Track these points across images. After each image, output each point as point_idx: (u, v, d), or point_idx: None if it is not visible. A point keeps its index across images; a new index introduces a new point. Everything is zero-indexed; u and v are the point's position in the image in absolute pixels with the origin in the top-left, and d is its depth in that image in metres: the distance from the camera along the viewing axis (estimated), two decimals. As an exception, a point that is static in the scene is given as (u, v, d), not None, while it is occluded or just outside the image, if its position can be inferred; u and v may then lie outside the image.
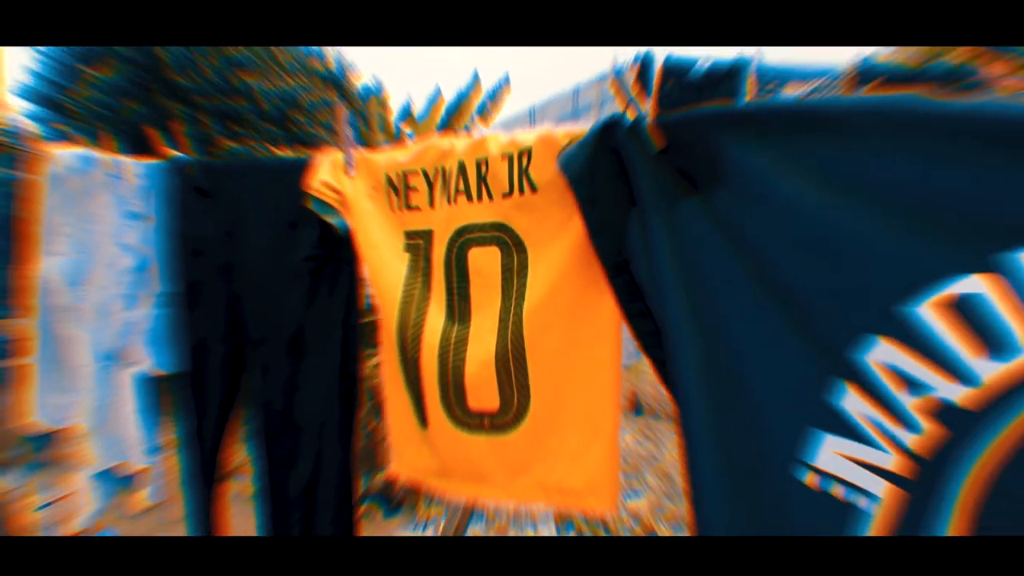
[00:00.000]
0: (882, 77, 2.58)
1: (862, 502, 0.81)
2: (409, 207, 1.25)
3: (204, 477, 1.64)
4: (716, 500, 0.88)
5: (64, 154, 1.56)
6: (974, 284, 0.67)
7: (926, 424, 0.76)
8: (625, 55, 3.11)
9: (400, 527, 4.56)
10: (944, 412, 0.73)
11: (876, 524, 0.78)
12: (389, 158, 1.29)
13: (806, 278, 0.79)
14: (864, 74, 2.55)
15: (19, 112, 11.42)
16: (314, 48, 10.07)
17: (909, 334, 0.73)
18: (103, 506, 1.85)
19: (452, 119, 10.07)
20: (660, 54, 3.00)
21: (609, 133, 0.98)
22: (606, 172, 0.90)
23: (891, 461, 0.81)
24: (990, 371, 0.68)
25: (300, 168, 1.35)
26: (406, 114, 10.34)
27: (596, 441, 1.04)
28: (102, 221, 1.55)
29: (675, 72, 2.84)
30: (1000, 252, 0.65)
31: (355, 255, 1.34)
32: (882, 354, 0.75)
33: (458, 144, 1.24)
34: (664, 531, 4.57)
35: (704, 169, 0.81)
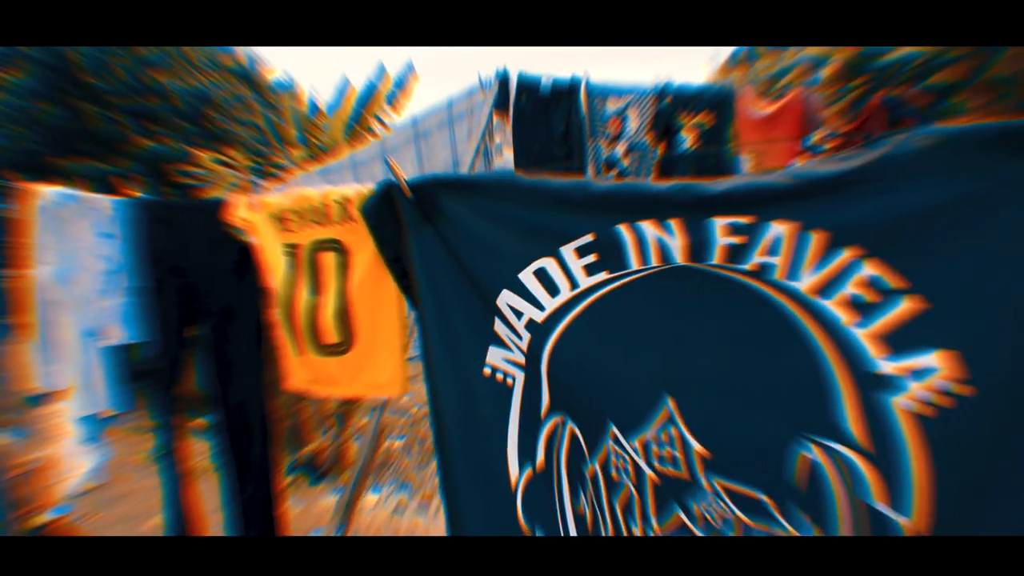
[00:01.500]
0: (672, 95, 3.29)
1: (508, 382, 1.47)
2: (286, 230, 1.90)
3: (167, 406, 2.27)
4: (447, 391, 1.57)
5: (50, 191, 2.18)
6: (545, 262, 1.34)
7: (525, 334, 1.43)
8: (488, 71, 3.77)
9: (323, 494, 5.19)
10: (532, 326, 1.40)
11: (517, 392, 1.45)
12: (276, 201, 1.96)
13: (483, 267, 1.46)
14: (661, 93, 3.25)
15: None
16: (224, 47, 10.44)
17: (518, 287, 1.38)
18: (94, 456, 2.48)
19: (364, 109, 10.55)
20: (515, 72, 3.66)
21: (387, 190, 1.62)
22: (387, 211, 1.57)
23: (517, 356, 1.48)
24: (550, 303, 1.36)
25: (222, 202, 2.01)
26: (316, 108, 10.84)
27: (391, 357, 1.76)
28: (82, 239, 2.16)
29: (527, 88, 3.55)
30: (557, 247, 1.35)
31: (258, 258, 2.01)
32: (506, 298, 1.41)
33: (311, 194, 1.91)
34: None
35: (432, 210, 1.50)
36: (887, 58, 15.48)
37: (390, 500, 5.14)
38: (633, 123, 3.30)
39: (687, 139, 3.25)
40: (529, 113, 3.44)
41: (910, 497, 1.10)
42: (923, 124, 2.36)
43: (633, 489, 1.33)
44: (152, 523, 4.89)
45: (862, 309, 1.08)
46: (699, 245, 1.16)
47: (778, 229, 1.10)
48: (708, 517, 1.26)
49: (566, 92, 3.41)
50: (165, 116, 9.24)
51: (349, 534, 2.39)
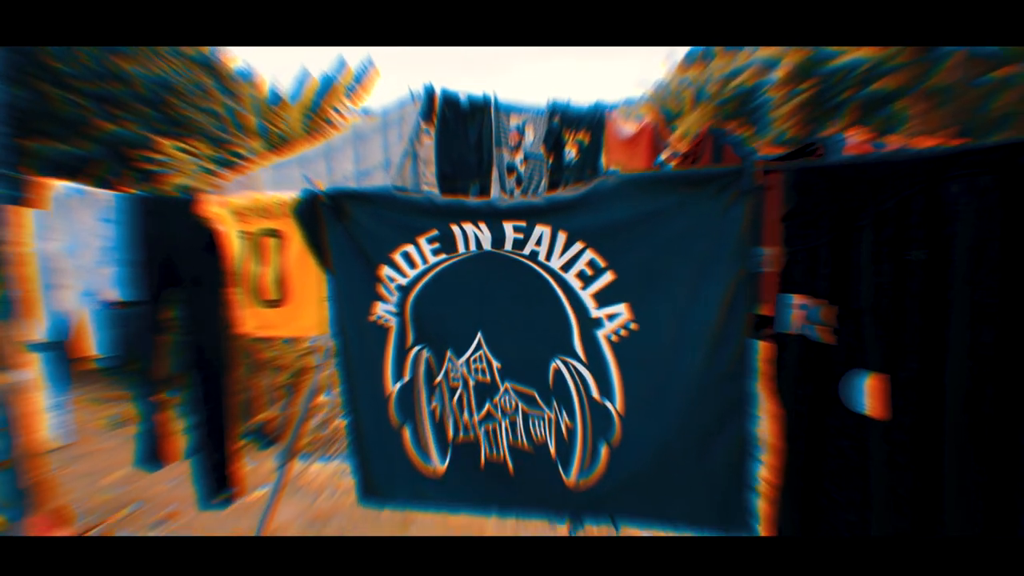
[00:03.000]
0: (560, 114, 4.06)
1: (387, 325, 2.19)
2: (241, 221, 2.58)
3: (149, 334, 2.92)
4: (348, 331, 2.27)
5: (62, 184, 2.90)
6: (408, 247, 2.07)
7: (396, 293, 2.15)
8: (418, 88, 4.46)
9: (270, 457, 5.91)
10: (399, 287, 2.13)
11: (392, 332, 2.18)
12: (235, 201, 2.65)
13: (371, 249, 2.16)
14: (552, 112, 4.01)
15: None
16: None
17: (391, 263, 2.11)
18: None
19: (323, 100, 11.11)
20: (439, 88, 4.37)
21: (312, 197, 2.27)
22: (310, 211, 2.28)
23: (392, 308, 2.19)
24: (410, 273, 2.08)
25: (195, 200, 2.72)
26: (277, 98, 11.38)
27: (312, 308, 2.45)
28: (86, 223, 2.89)
29: (450, 102, 4.29)
30: (414, 237, 2.07)
31: (222, 240, 2.72)
32: (385, 270, 2.14)
33: (261, 197, 2.61)
34: None
35: (340, 212, 2.22)
36: (835, 63, 16.39)
37: (336, 469, 5.91)
38: (530, 136, 4.08)
39: (571, 152, 4.06)
40: (451, 123, 4.17)
41: (614, 390, 1.91)
42: (740, 150, 3.15)
43: (462, 391, 2.12)
44: (113, 477, 5.62)
45: (586, 279, 1.89)
46: (498, 238, 1.95)
47: (541, 230, 1.89)
48: (505, 407, 2.07)
49: (480, 107, 4.16)
50: (128, 101, 9.75)
51: (286, 488, 3.05)
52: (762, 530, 1.83)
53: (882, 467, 1.57)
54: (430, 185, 4.16)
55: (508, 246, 1.94)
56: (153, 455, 2.91)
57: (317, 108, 10.97)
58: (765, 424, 1.77)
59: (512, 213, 1.92)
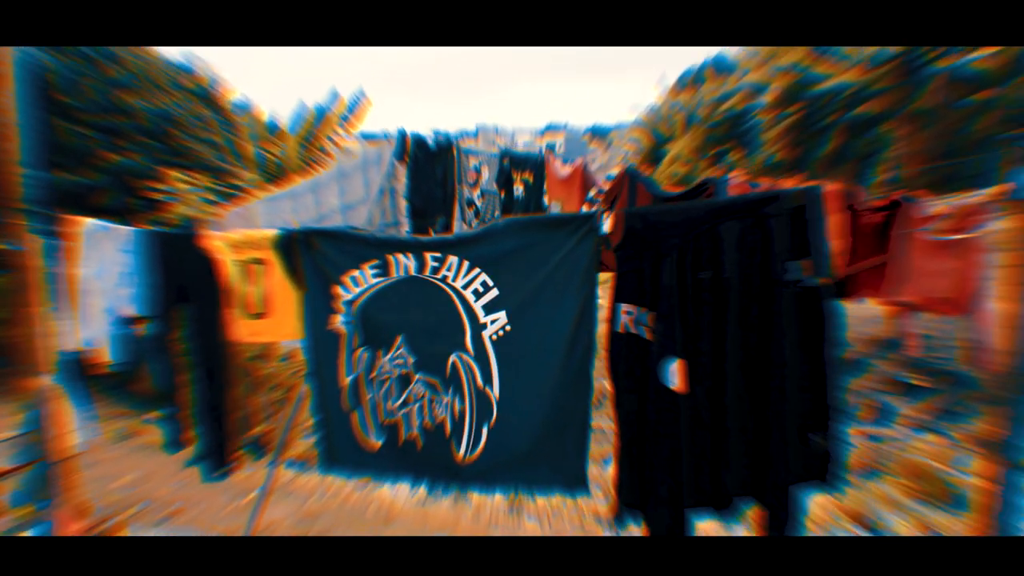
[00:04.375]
0: (509, 157, 4.84)
1: (341, 331, 2.84)
2: (236, 251, 3.26)
3: (165, 348, 3.65)
4: (313, 337, 2.98)
5: (91, 221, 3.65)
6: (355, 272, 2.77)
7: (346, 307, 2.84)
8: (392, 130, 5.20)
9: (263, 466, 6.63)
10: (347, 303, 2.81)
11: (344, 337, 2.85)
12: (231, 236, 3.34)
13: (331, 273, 2.80)
14: (503, 156, 4.78)
15: None
16: (186, 66, 11.71)
17: (342, 283, 2.81)
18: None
19: (318, 130, 11.89)
20: (410, 131, 5.11)
21: (289, 233, 3.04)
22: (286, 244, 3.00)
23: (344, 319, 2.85)
24: (356, 291, 2.80)
25: (198, 234, 3.45)
26: (274, 128, 12.17)
27: (290, 319, 3.06)
28: (109, 251, 3.64)
29: (419, 143, 5.04)
30: (359, 264, 2.77)
31: (220, 266, 3.43)
32: (337, 290, 2.84)
33: (250, 233, 3.32)
34: None
35: (309, 244, 2.89)
36: (821, 87, 17.14)
37: (324, 477, 6.65)
38: (485, 175, 4.84)
39: (519, 189, 4.82)
40: (420, 162, 4.92)
41: (493, 379, 2.64)
42: (651, 188, 3.89)
43: (390, 382, 2.84)
44: (122, 481, 6.37)
45: (477, 295, 2.61)
46: (420, 265, 2.67)
47: (452, 259, 2.61)
48: (417, 393, 2.78)
49: (445, 148, 4.91)
50: (132, 133, 10.44)
51: (276, 491, 3.72)
52: (612, 489, 2.54)
53: (686, 425, 2.27)
54: (403, 216, 4.90)
55: (427, 272, 2.66)
56: (176, 441, 3.62)
57: (312, 138, 11.71)
58: (606, 400, 2.50)
59: (432, 246, 2.65)
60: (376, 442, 2.89)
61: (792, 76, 16.55)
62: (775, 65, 16.72)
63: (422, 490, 6.42)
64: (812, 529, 5.24)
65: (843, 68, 15.44)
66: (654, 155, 20.59)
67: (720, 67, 20.16)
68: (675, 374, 2.24)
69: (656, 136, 20.76)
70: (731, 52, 20.42)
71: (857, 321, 9.62)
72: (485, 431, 2.66)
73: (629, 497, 2.42)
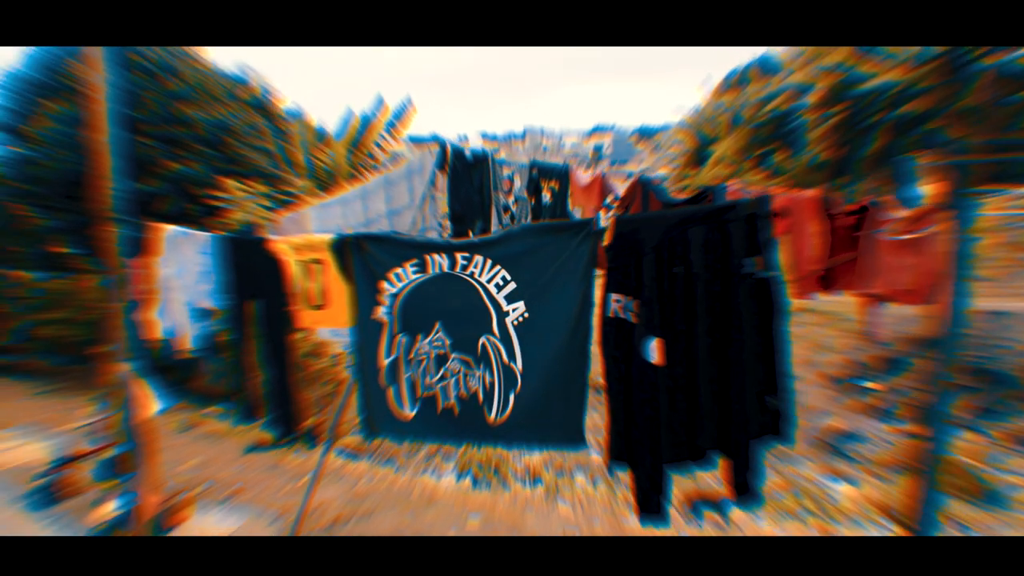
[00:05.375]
0: (538, 168, 5.43)
1: (384, 320, 3.51)
2: (297, 252, 3.86)
3: (243, 335, 4.36)
4: (359, 326, 3.62)
5: (171, 228, 4.35)
6: (398, 269, 3.42)
7: (390, 299, 3.47)
8: (440, 133, 5.89)
9: (315, 453, 7.33)
10: (390, 296, 3.44)
11: (386, 325, 3.49)
12: (294, 239, 3.98)
13: (377, 271, 3.43)
14: (532, 167, 5.37)
15: None
16: (241, 77, 12.43)
17: (388, 279, 3.45)
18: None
19: (364, 136, 12.61)
20: (450, 144, 5.75)
21: (342, 237, 3.70)
22: (340, 246, 3.62)
23: (386, 310, 3.48)
24: (398, 285, 3.39)
25: (266, 239, 4.12)
26: (324, 135, 12.92)
27: (343, 310, 3.66)
28: (189, 253, 4.33)
29: (458, 154, 5.67)
30: (402, 262, 3.39)
31: (284, 266, 4.06)
32: (383, 284, 3.47)
33: (309, 237, 3.97)
34: (548, 476, 7.06)
35: (359, 246, 3.49)
36: (865, 86, 17.34)
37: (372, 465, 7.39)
38: (518, 183, 5.46)
39: (546, 196, 5.43)
40: (459, 171, 5.53)
41: (516, 357, 3.25)
42: (660, 196, 4.52)
43: (427, 361, 3.46)
44: (189, 464, 7.13)
45: (499, 288, 3.21)
46: (451, 263, 3.29)
47: (478, 257, 3.22)
48: (453, 370, 3.38)
49: (481, 160, 5.53)
50: (190, 142, 11.22)
51: (328, 474, 4.31)
52: (604, 447, 3.13)
53: (664, 392, 2.86)
54: (444, 220, 5.54)
55: (458, 269, 3.28)
56: (248, 415, 4.28)
57: (359, 144, 12.43)
58: (599, 372, 3.10)
59: (461, 247, 3.27)
60: (409, 413, 3.52)
61: (836, 76, 16.79)
62: (819, 65, 16.96)
63: (467, 481, 7.07)
64: (840, 520, 5.73)
65: (887, 67, 15.58)
66: (698, 156, 20.92)
67: (765, 67, 20.40)
68: (654, 350, 2.81)
69: (700, 137, 21.06)
70: (776, 52, 20.64)
71: (896, 320, 9.91)
72: (512, 397, 3.27)
73: (617, 452, 3.01)
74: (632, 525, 5.53)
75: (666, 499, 2.94)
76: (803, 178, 17.04)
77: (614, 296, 2.94)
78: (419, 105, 12.08)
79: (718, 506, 4.00)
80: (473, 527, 5.61)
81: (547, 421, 3.25)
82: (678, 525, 5.25)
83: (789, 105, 18.43)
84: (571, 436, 3.23)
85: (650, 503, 2.93)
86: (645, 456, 2.90)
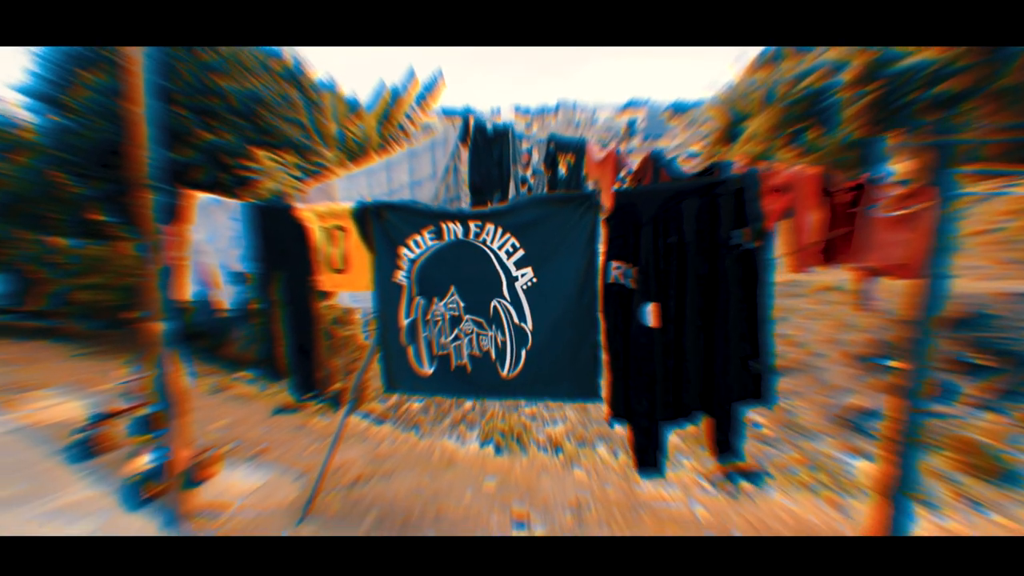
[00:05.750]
0: (555, 142, 5.54)
1: (402, 284, 3.77)
2: (321, 219, 4.14)
3: (270, 300, 4.63)
4: (380, 289, 3.91)
5: (204, 196, 4.63)
6: (416, 236, 3.65)
7: (408, 264, 3.72)
8: (474, 105, 6.12)
9: (338, 417, 7.67)
10: (408, 261, 3.68)
11: (404, 289, 3.74)
12: (318, 207, 4.24)
13: (396, 237, 3.65)
14: (549, 141, 5.56)
15: (18, 105, 14.12)
16: (274, 50, 12.67)
17: (407, 245, 3.71)
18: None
19: (394, 109, 12.85)
20: (474, 117, 5.98)
21: (363, 205, 3.95)
22: (361, 214, 3.87)
23: (405, 274, 3.74)
24: (416, 251, 3.66)
25: (293, 207, 4.40)
26: (355, 106, 13.18)
27: (364, 274, 3.92)
28: (221, 220, 4.61)
29: (479, 128, 5.90)
30: (420, 229, 3.69)
31: (309, 232, 4.33)
32: (403, 250, 3.71)
33: (332, 205, 4.22)
34: (569, 447, 7.27)
35: (379, 214, 3.74)
36: (901, 64, 17.24)
37: (393, 428, 7.71)
38: (536, 157, 5.69)
39: (562, 170, 5.65)
40: (480, 145, 5.77)
41: (526, 317, 3.50)
42: (671, 171, 4.74)
43: (441, 323, 3.71)
44: (218, 424, 7.48)
45: (509, 254, 3.46)
46: (465, 231, 3.53)
47: (489, 226, 3.47)
48: (466, 331, 3.64)
49: (502, 134, 5.75)
50: (223, 113, 11.55)
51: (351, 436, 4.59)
52: (604, 398, 3.37)
53: (659, 353, 3.09)
54: (464, 191, 5.78)
55: (471, 236, 3.52)
56: (273, 372, 4.58)
57: (389, 116, 12.67)
58: (602, 333, 3.34)
59: (474, 216, 3.50)
60: (428, 370, 3.79)
61: (872, 54, 16.70)
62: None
63: (489, 449, 7.33)
64: (854, 494, 5.84)
65: (924, 46, 15.50)
66: (730, 133, 20.87)
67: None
68: (651, 314, 3.05)
69: (732, 114, 21.02)
70: (811, 29, 20.40)
71: (891, 293, 9.91)
72: (524, 353, 3.53)
73: (617, 409, 3.25)
74: (642, 490, 5.74)
75: (662, 453, 3.17)
76: (836, 156, 16.98)
77: (614, 264, 3.16)
78: (454, 76, 12.33)
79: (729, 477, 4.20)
80: (489, 488, 5.82)
81: (558, 375, 3.50)
82: (688, 491, 5.50)
83: (823, 83, 18.34)
84: (583, 390, 3.48)
85: (647, 457, 3.18)
86: (642, 413, 3.13)
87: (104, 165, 11.69)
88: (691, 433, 7.12)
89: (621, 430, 3.29)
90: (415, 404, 8.84)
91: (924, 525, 5.05)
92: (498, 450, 7.15)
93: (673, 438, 6.97)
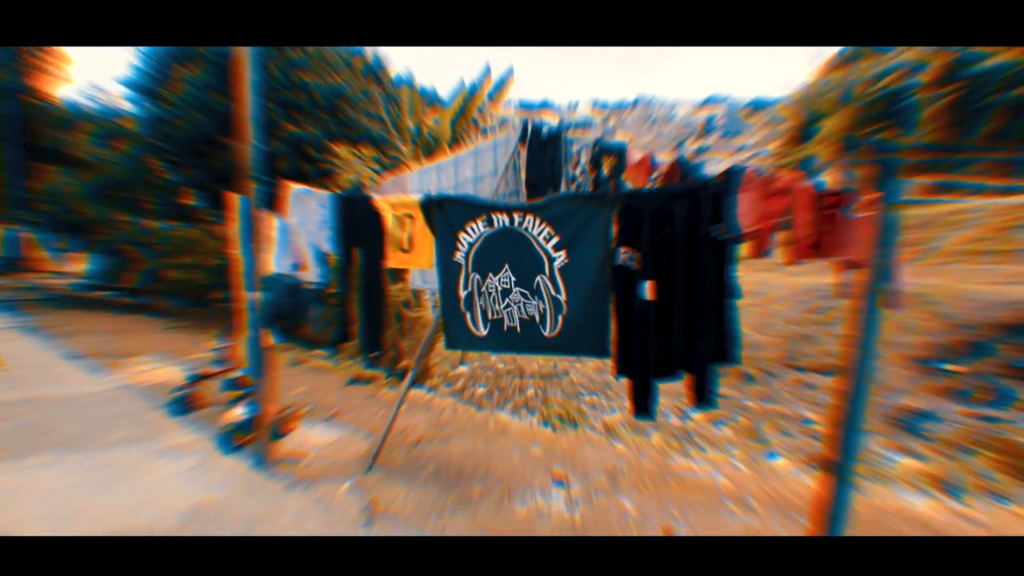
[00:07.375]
0: (599, 146, 6.34)
1: (461, 263, 4.79)
2: (393, 208, 5.08)
3: (348, 279, 5.68)
4: (442, 267, 4.94)
5: (297, 187, 5.71)
6: (472, 224, 4.66)
7: (466, 246, 4.68)
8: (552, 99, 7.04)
9: (400, 390, 8.70)
10: (466, 244, 4.67)
11: (463, 267, 4.72)
12: (392, 199, 5.24)
13: (456, 224, 4.64)
14: (595, 144, 6.44)
15: (121, 97, 15.61)
16: (357, 48, 13.81)
17: (465, 231, 4.68)
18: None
19: (469, 105, 13.77)
20: (532, 121, 6.93)
21: (428, 197, 4.95)
22: (426, 205, 4.90)
23: (463, 254, 4.75)
24: (472, 237, 4.60)
25: (371, 197, 5.43)
26: (434, 100, 14.11)
27: (428, 253, 4.92)
28: (311, 207, 5.68)
29: (536, 131, 6.85)
30: (476, 218, 4.67)
31: (383, 218, 5.34)
32: (462, 234, 4.69)
33: (404, 197, 5.24)
34: (622, 432, 8.09)
35: (440, 206, 4.72)
36: (980, 66, 17.63)
37: (453, 400, 8.74)
38: (584, 158, 6.62)
39: (605, 170, 6.58)
40: (535, 146, 6.69)
41: (562, 290, 4.48)
42: (693, 175, 5.70)
43: (495, 293, 4.72)
44: (296, 391, 8.64)
45: (547, 240, 4.44)
46: (511, 221, 4.53)
47: (530, 216, 4.47)
48: (515, 300, 4.64)
49: (555, 137, 6.69)
50: (308, 108, 12.60)
51: (410, 403, 5.67)
52: (612, 358, 4.33)
53: (654, 321, 3.99)
54: (522, 188, 6.73)
55: (515, 225, 4.49)
56: (344, 335, 5.64)
57: (463, 112, 13.60)
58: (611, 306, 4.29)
59: (518, 208, 4.47)
60: (483, 332, 4.79)
61: (951, 55, 17.05)
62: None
63: (545, 429, 8.23)
64: (888, 485, 6.49)
65: (1004, 47, 15.75)
66: (803, 134, 21.23)
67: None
68: (648, 290, 3.98)
69: (808, 114, 21.36)
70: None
71: (980, 307, 10.44)
72: (560, 319, 4.46)
73: (620, 366, 4.21)
74: (675, 463, 6.62)
75: (654, 401, 4.11)
76: (911, 158, 17.37)
77: (623, 249, 4.09)
78: (532, 70, 13.18)
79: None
80: (536, 453, 6.77)
81: (584, 336, 4.42)
82: (717, 466, 6.35)
83: (900, 84, 18.70)
84: (599, 349, 4.38)
85: (642, 405, 4.11)
86: (638, 370, 4.07)
87: (197, 154, 12.95)
88: (743, 426, 7.96)
89: (622, 381, 4.22)
90: (480, 389, 9.91)
91: (933, 505, 5.65)
92: (553, 430, 7.93)
93: (726, 431, 7.89)
